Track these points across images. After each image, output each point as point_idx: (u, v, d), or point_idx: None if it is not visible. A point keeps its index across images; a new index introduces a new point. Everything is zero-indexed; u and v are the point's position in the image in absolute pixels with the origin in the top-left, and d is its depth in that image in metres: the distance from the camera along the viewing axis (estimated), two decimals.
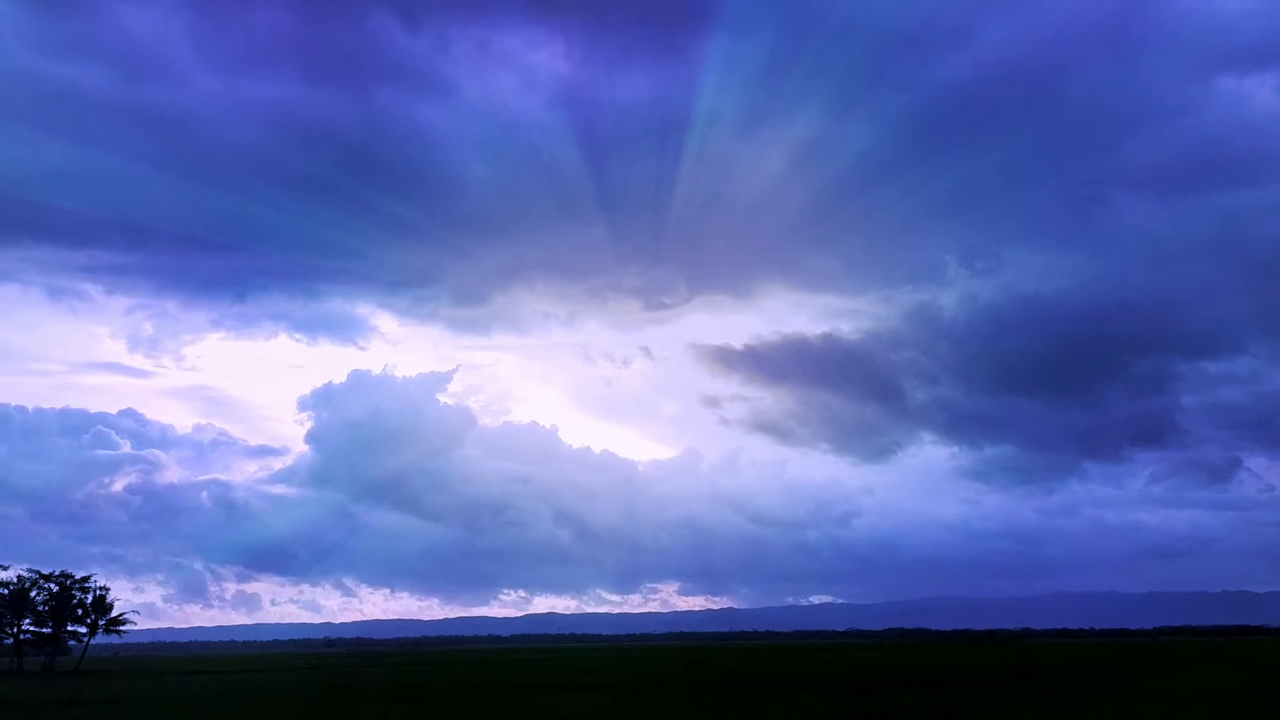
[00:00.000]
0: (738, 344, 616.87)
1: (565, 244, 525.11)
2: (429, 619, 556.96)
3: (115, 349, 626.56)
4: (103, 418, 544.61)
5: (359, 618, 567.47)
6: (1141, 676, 57.75)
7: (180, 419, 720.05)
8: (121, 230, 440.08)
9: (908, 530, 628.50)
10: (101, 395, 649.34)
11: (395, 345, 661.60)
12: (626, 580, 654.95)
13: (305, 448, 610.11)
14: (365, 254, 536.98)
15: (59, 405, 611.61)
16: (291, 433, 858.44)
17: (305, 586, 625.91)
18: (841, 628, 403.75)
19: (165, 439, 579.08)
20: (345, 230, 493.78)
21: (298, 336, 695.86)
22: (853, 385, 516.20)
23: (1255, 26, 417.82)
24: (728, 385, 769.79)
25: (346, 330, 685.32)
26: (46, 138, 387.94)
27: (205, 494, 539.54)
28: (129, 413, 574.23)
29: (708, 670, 73.96)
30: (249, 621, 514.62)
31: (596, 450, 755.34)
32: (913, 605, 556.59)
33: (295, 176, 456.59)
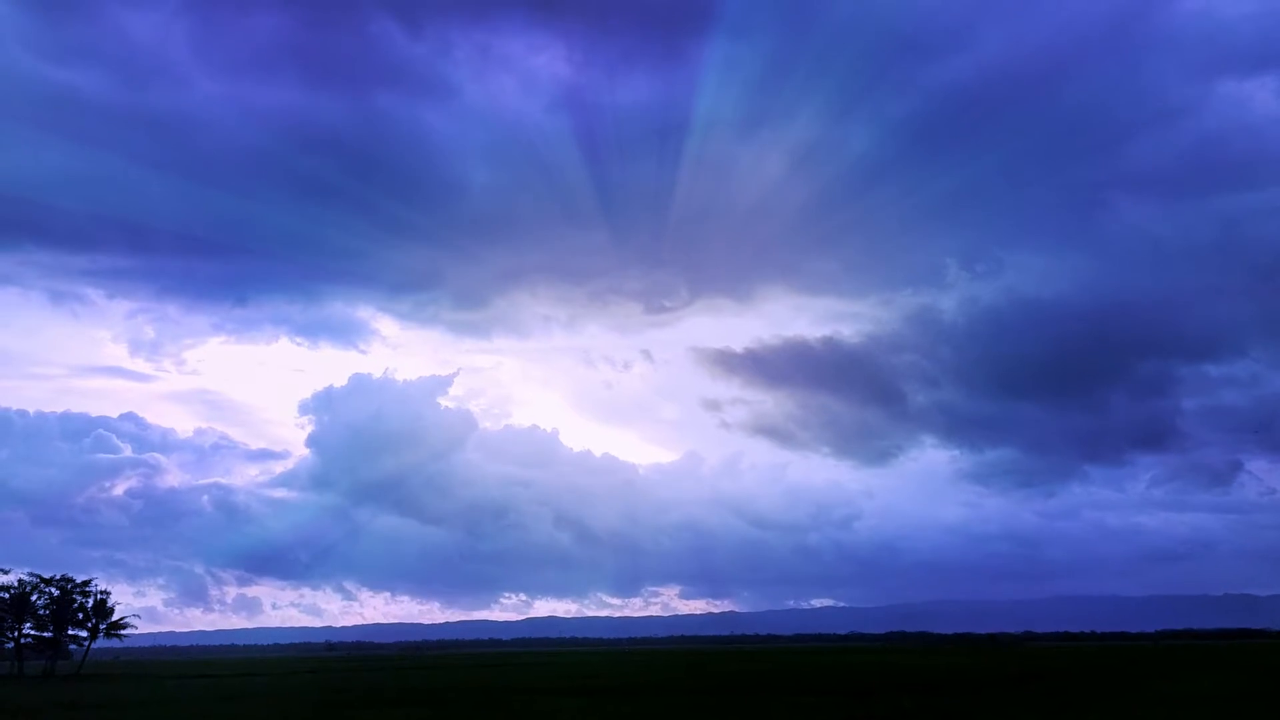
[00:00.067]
0: (738, 347, 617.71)
1: (566, 247, 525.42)
2: (430, 622, 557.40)
3: (116, 353, 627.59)
4: (104, 421, 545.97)
5: (360, 621, 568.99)
6: (1143, 680, 57.66)
7: (181, 423, 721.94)
8: (122, 234, 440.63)
9: (908, 533, 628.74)
10: (102, 399, 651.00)
11: (396, 349, 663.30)
12: (627, 584, 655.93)
13: (306, 451, 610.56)
14: (366, 257, 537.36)
15: (60, 409, 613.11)
16: (292, 436, 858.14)
17: (306, 590, 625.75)
18: (842, 631, 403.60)
19: (166, 443, 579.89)
20: (346, 234, 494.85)
21: (299, 340, 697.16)
22: (853, 388, 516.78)
23: (1255, 29, 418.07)
24: (728, 388, 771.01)
25: (347, 334, 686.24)
26: (47, 141, 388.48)
27: (206, 498, 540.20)
28: (130, 416, 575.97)
29: (709, 674, 73.89)
30: (250, 625, 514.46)
31: (597, 453, 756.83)
32: (914, 608, 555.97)
33: (296, 180, 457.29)
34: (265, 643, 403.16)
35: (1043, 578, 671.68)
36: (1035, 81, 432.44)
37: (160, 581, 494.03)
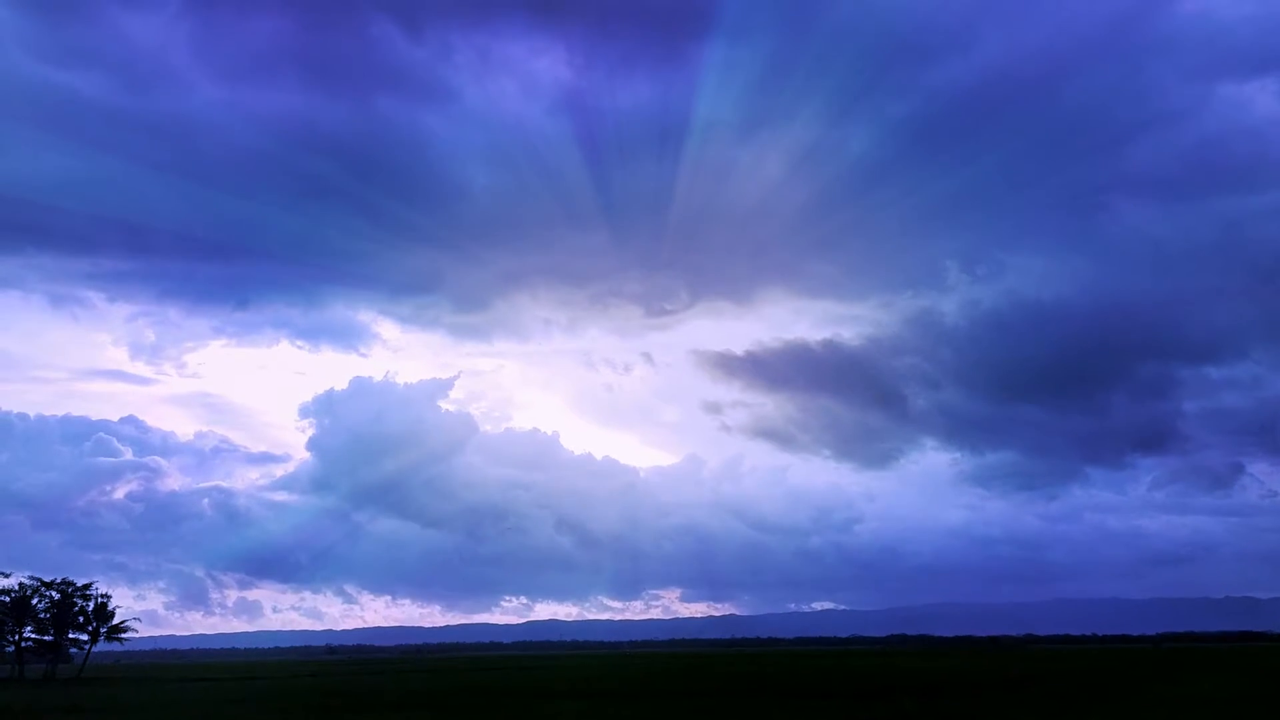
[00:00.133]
0: (739, 350, 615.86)
1: (566, 250, 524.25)
2: (430, 626, 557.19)
3: (117, 356, 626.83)
4: (104, 425, 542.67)
5: (361, 625, 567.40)
6: (1144, 683, 57.63)
7: (182, 426, 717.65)
8: (123, 237, 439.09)
9: (910, 536, 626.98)
10: (103, 402, 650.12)
11: (397, 352, 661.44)
12: (628, 587, 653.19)
13: (307, 454, 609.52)
14: (367, 260, 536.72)
15: (60, 413, 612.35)
16: (293, 439, 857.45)
17: (307, 593, 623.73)
18: (844, 634, 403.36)
19: (167, 446, 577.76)
20: (347, 237, 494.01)
21: (299, 343, 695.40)
22: (854, 391, 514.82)
23: (1256, 31, 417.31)
24: (729, 391, 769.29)
25: (348, 337, 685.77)
26: (47, 145, 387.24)
27: (207, 501, 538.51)
28: (130, 420, 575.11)
29: (709, 677, 73.82)
30: (250, 629, 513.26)
31: (598, 457, 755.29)
32: (915, 611, 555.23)
33: (297, 183, 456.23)
34: (266, 646, 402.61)
35: (1044, 580, 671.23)
36: (1035, 83, 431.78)
37: (161, 585, 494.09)
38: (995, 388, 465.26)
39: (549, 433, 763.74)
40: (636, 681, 69.20)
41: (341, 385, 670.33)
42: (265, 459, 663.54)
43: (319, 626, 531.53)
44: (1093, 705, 41.63)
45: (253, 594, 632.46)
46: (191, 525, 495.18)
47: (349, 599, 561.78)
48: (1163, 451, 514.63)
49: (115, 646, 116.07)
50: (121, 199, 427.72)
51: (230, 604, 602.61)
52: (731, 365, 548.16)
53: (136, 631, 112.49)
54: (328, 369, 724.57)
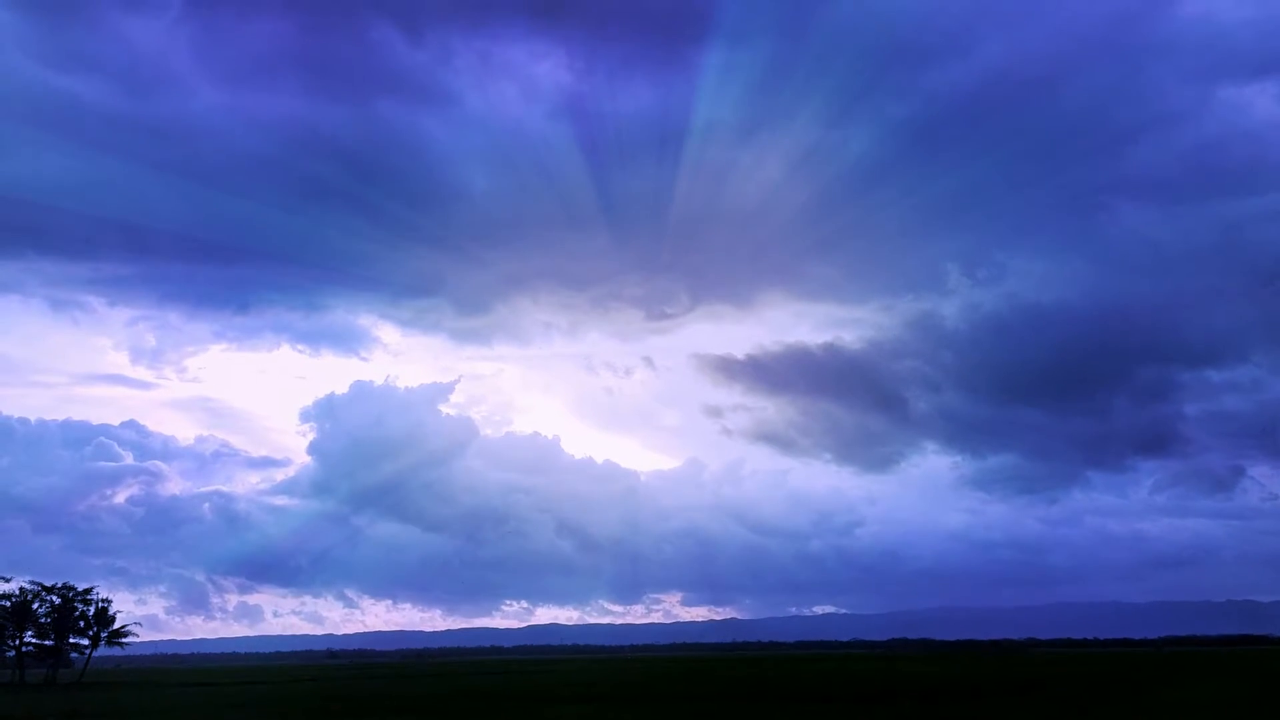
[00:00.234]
0: (740, 354, 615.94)
1: (567, 254, 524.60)
2: (431, 630, 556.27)
3: (117, 360, 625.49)
4: (105, 429, 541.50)
5: (361, 629, 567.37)
6: (1146, 686, 57.58)
7: (182, 430, 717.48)
8: (123, 241, 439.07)
9: (911, 540, 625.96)
10: (104, 407, 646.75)
11: (397, 356, 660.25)
12: (629, 591, 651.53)
13: (307, 459, 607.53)
14: (367, 264, 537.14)
15: (61, 417, 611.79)
16: (294, 444, 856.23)
17: (307, 598, 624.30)
18: (845, 638, 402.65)
19: (167, 450, 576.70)
20: (347, 241, 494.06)
21: (300, 348, 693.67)
22: (855, 395, 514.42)
23: (1256, 34, 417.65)
24: (730, 395, 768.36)
25: (348, 341, 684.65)
26: (48, 149, 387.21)
27: (207, 505, 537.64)
28: (131, 424, 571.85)
29: (710, 681, 73.78)
30: (251, 633, 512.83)
31: (599, 460, 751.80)
32: (916, 615, 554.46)
33: (298, 187, 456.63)
34: (266, 651, 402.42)
35: (1045, 584, 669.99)
36: (1035, 85, 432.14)
37: (161, 589, 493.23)
38: (996, 391, 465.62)
39: (550, 436, 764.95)
40: (637, 685, 69.18)
41: (342, 389, 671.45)
42: (266, 463, 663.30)
43: (320, 631, 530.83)
44: (1095, 709, 41.59)
45: (253, 598, 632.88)
46: (192, 529, 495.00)
47: (350, 603, 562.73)
48: (1164, 455, 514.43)
49: (116, 651, 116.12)
50: (122, 203, 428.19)
51: (231, 608, 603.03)
52: (732, 369, 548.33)
53: (137, 636, 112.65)
54: (328, 373, 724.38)
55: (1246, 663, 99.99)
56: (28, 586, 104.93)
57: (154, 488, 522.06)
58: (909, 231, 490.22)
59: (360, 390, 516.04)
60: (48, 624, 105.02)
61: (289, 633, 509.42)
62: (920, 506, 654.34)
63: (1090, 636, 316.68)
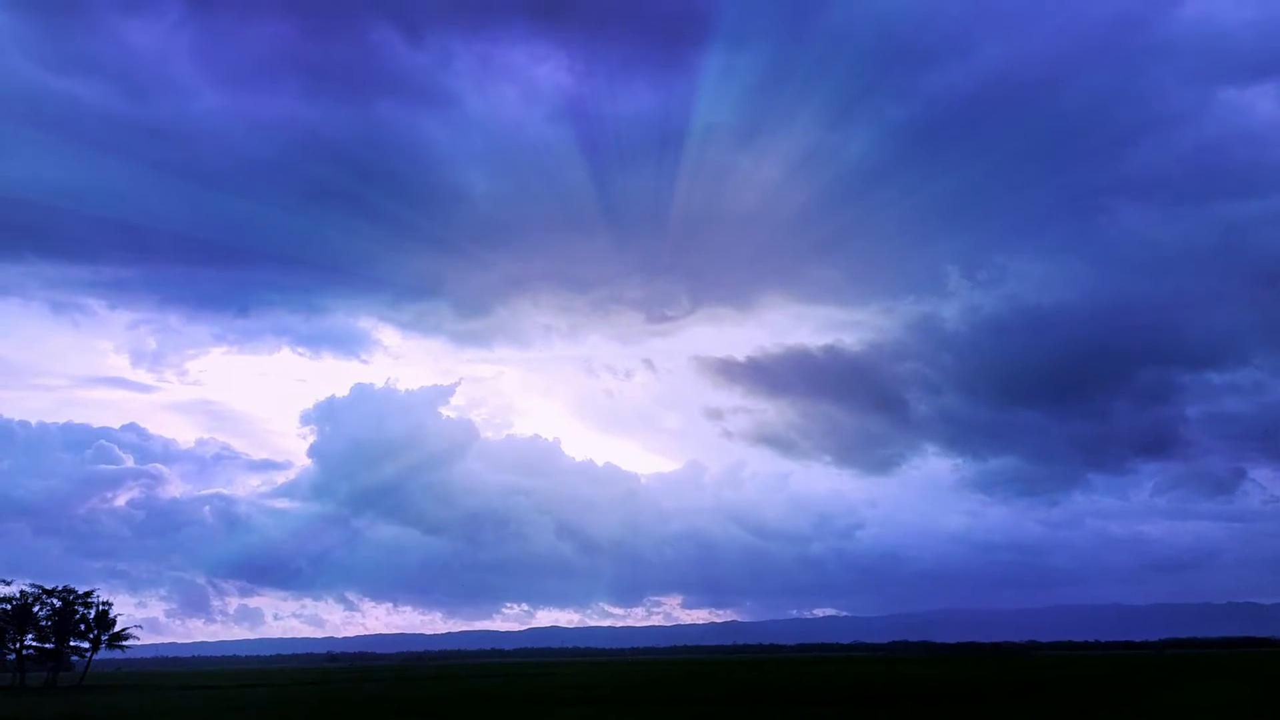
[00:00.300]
0: (740, 356, 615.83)
1: (567, 256, 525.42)
2: (432, 633, 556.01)
3: (118, 363, 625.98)
4: (105, 432, 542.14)
5: (362, 632, 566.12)
6: (1147, 689, 57.55)
7: (183, 433, 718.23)
8: (124, 244, 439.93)
9: (911, 542, 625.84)
10: (104, 410, 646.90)
11: (398, 359, 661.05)
12: (629, 593, 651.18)
13: (308, 461, 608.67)
14: (368, 267, 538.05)
15: (62, 420, 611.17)
16: (294, 446, 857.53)
17: (308, 600, 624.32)
18: (845, 640, 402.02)
19: (168, 453, 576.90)
20: (348, 243, 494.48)
21: (300, 350, 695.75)
22: (855, 397, 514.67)
23: (1256, 36, 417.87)
24: (730, 397, 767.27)
25: (349, 344, 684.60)
26: (49, 151, 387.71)
27: (208, 508, 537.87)
28: (132, 427, 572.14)
29: (711, 684, 73.77)
30: (252, 636, 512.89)
31: (599, 463, 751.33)
32: (917, 618, 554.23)
33: (298, 190, 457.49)
34: (267, 653, 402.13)
35: (1046, 586, 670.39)
36: (1035, 87, 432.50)
37: (162, 592, 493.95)
38: (996, 393, 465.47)
39: (550, 439, 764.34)
40: (638, 688, 69.16)
41: (343, 392, 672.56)
42: (266, 466, 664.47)
43: (320, 634, 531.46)
44: (1096, 712, 41.58)
45: (254, 601, 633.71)
46: (193, 532, 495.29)
47: (350, 606, 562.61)
48: (1164, 457, 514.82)
49: (116, 654, 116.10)
50: (123, 206, 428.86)
51: (231, 611, 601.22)
52: (733, 371, 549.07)
53: (137, 639, 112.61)
54: (329, 376, 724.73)
55: (1248, 665, 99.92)
56: (28, 589, 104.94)
57: (154, 490, 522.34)
58: (909, 234, 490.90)
59: (361, 393, 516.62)
60: (48, 627, 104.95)
61: (289, 635, 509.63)
62: (921, 509, 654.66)
63: (1091, 639, 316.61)
